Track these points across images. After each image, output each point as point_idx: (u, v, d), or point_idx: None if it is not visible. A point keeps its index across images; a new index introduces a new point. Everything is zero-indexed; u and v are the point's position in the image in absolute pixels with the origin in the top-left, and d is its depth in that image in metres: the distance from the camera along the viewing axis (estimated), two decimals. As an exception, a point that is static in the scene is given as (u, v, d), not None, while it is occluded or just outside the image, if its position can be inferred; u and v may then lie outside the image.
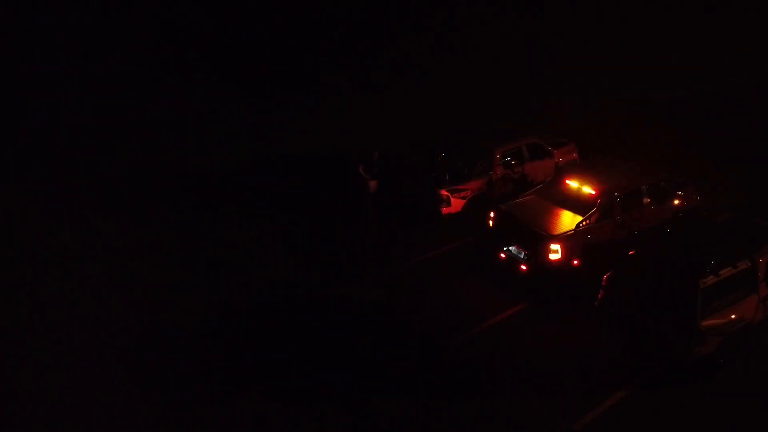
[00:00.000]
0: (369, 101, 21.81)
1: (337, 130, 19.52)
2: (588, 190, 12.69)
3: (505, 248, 12.66)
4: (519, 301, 12.11)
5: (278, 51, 24.55)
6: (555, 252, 11.86)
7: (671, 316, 9.95)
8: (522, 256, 12.36)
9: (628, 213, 12.63)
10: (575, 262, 12.03)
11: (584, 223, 12.15)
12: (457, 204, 14.20)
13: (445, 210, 14.16)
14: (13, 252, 13.55)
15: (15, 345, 10.93)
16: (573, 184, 12.97)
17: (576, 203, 12.63)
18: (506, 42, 26.91)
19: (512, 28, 28.19)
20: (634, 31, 28.82)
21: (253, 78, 23.43)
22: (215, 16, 25.92)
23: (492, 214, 13.07)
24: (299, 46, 24.24)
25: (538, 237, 12.08)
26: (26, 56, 24.09)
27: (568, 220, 12.35)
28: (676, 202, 13.39)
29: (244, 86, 22.85)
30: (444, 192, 14.09)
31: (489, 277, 12.83)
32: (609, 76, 24.15)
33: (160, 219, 14.84)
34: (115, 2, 27.29)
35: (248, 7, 25.24)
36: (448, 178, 14.28)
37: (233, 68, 24.12)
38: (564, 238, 11.93)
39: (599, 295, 10.90)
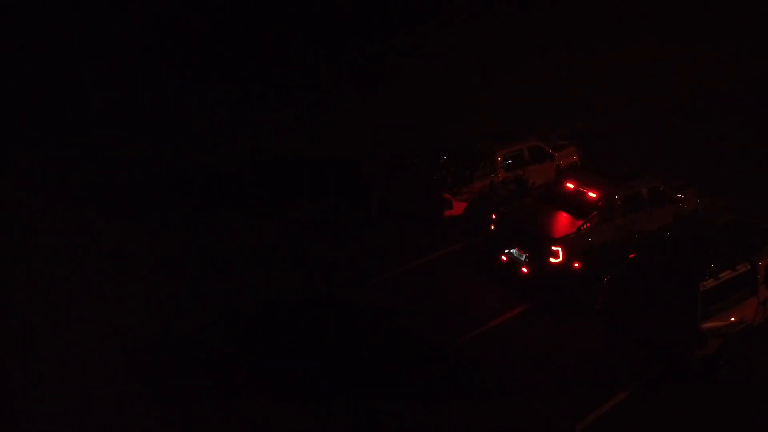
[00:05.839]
0: (371, 102, 21.84)
1: (339, 132, 19.57)
2: (589, 193, 12.78)
3: (506, 251, 12.73)
4: (520, 303, 12.16)
5: (278, 50, 24.58)
6: (556, 254, 11.94)
7: (672, 319, 10.03)
8: (523, 258, 12.43)
9: (629, 216, 12.71)
10: (576, 264, 12.10)
11: (585, 226, 12.23)
12: (458, 206, 14.26)
13: (446, 212, 14.22)
14: (15, 253, 13.59)
15: (19, 345, 10.96)
16: (574, 187, 13.05)
17: (577, 206, 12.70)
18: (508, 43, 26.94)
19: (515, 29, 28.21)
20: (636, 30, 28.80)
21: (253, 78, 23.44)
22: (214, 15, 25.90)
23: (493, 217, 13.15)
24: (300, 46, 24.27)
25: (539, 240, 12.17)
26: (25, 56, 24.08)
27: (569, 223, 12.43)
28: (676, 204, 13.47)
29: (244, 86, 22.87)
30: (446, 194, 14.16)
31: (490, 280, 12.89)
32: (609, 78, 24.21)
33: (161, 219, 14.87)
34: (114, 1, 27.26)
35: (248, 7, 25.25)
36: (450, 180, 14.35)
37: (233, 68, 24.12)
38: (565, 241, 12.01)
39: (600, 298, 10.99)
